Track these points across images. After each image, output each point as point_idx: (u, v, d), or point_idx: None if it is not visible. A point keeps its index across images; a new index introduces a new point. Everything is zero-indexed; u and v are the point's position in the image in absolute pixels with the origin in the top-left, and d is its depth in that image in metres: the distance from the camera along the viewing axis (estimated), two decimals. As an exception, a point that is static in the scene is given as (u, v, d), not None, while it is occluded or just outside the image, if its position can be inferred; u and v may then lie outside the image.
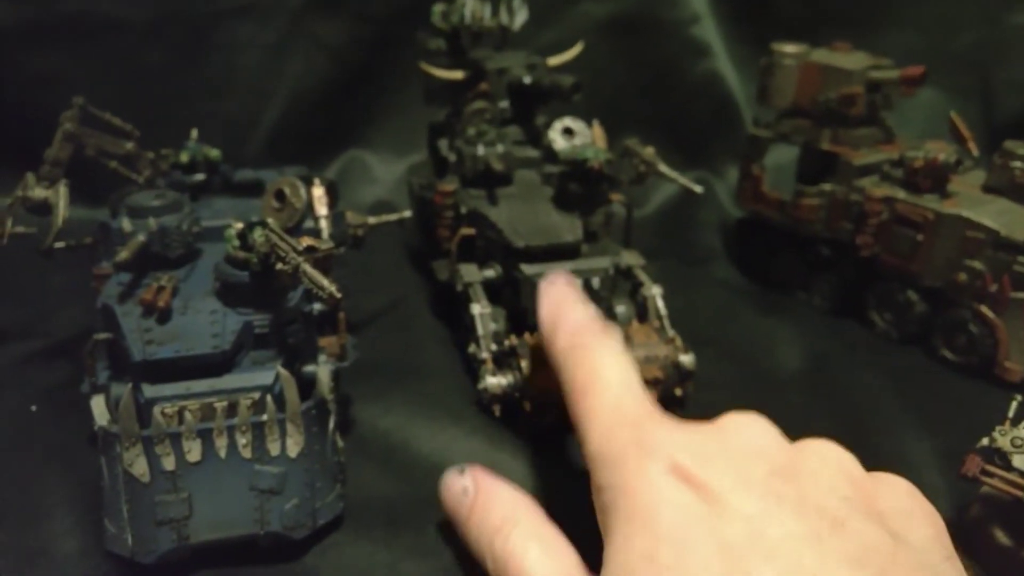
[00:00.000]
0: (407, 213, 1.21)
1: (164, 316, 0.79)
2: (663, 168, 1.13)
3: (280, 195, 0.89)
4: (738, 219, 1.50)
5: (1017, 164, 1.18)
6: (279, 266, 0.74)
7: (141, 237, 0.84)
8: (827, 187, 1.29)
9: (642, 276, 1.12)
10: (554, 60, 1.36)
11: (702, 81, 1.77)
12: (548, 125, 1.29)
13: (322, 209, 0.95)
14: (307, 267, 0.73)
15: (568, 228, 1.08)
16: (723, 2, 1.76)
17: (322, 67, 1.65)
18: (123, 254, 0.80)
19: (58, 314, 1.19)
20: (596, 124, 1.28)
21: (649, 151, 1.13)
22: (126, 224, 0.85)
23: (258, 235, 0.78)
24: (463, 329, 1.11)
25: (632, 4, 1.71)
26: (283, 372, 0.78)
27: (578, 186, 1.11)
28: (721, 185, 1.76)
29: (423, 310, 1.27)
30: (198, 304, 0.81)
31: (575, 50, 1.38)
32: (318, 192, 0.96)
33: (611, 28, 1.71)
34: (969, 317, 1.14)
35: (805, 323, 1.29)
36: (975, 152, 1.26)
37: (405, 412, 1.01)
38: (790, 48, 1.36)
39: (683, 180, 1.13)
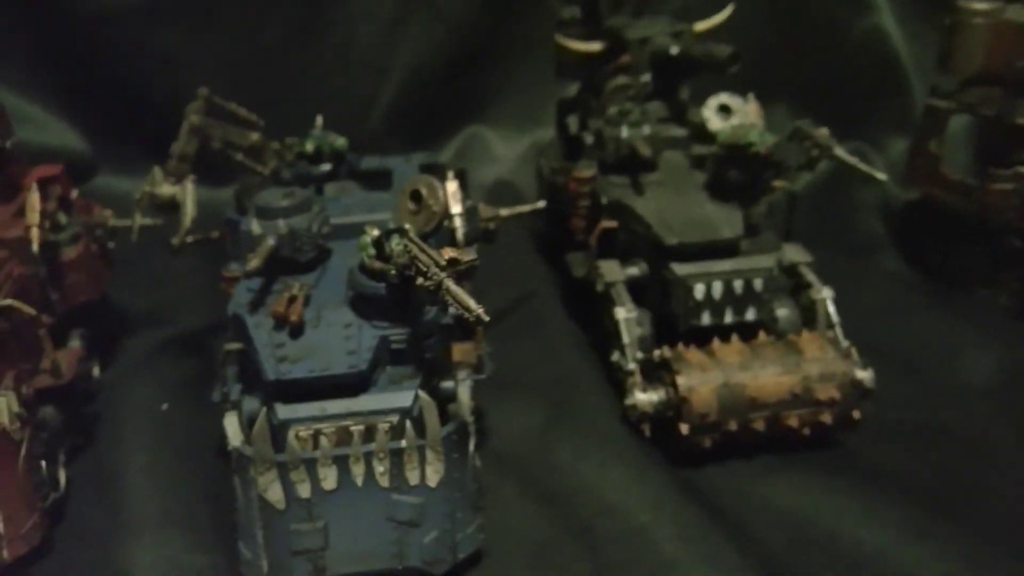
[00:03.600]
0: (541, 203, 1.11)
1: (297, 330, 0.73)
2: (840, 152, 0.98)
3: (416, 196, 0.82)
4: (907, 202, 1.33)
5: None
6: (420, 281, 0.67)
7: (271, 241, 0.78)
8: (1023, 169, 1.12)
9: (810, 276, 0.99)
10: (701, 25, 1.22)
11: (863, 40, 1.57)
12: (694, 100, 1.16)
13: (456, 207, 0.87)
14: (451, 284, 0.65)
15: (726, 222, 0.97)
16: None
17: (441, 39, 1.56)
18: (254, 262, 0.75)
19: (187, 307, 1.16)
20: (752, 99, 1.14)
21: (823, 132, 0.99)
22: (255, 226, 0.80)
23: (396, 244, 0.70)
24: (602, 332, 1.01)
25: (785, -41, 1.54)
26: (424, 397, 0.70)
27: (739, 173, 0.98)
28: (883, 160, 1.57)
29: (556, 309, 1.17)
30: (331, 316, 0.75)
31: (725, 13, 1.24)
32: (452, 187, 0.88)
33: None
34: None
35: (991, 326, 1.12)
36: None
37: (544, 429, 0.92)
38: (980, 4, 1.18)
39: (864, 167, 0.99)
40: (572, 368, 1.04)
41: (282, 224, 0.80)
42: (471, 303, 0.63)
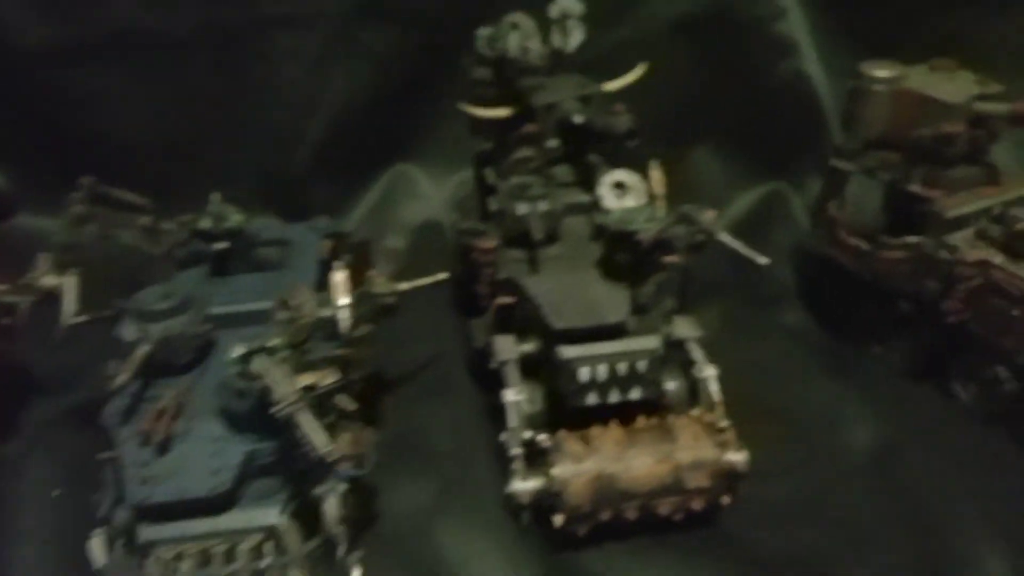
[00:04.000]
0: (443, 275, 1.13)
1: (163, 446, 0.75)
2: (724, 237, 1.01)
3: (284, 305, 0.83)
4: (813, 256, 1.36)
5: None
6: (271, 411, 0.68)
7: (144, 348, 0.80)
8: (912, 240, 1.15)
9: (696, 353, 1.02)
10: (612, 85, 1.24)
11: (786, 83, 1.60)
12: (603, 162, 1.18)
13: (342, 298, 0.89)
14: (302, 416, 0.67)
15: (613, 304, 0.99)
16: (813, -9, 1.58)
17: (368, 76, 1.56)
18: (122, 376, 0.76)
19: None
20: (655, 167, 1.16)
21: (709, 216, 1.02)
22: (130, 331, 0.81)
23: (257, 365, 0.72)
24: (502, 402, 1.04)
25: (708, 1, 1.54)
26: (282, 520, 0.73)
27: (626, 256, 1.00)
28: (801, 200, 1.60)
29: (463, 371, 1.20)
30: (201, 428, 0.77)
31: (637, 71, 1.26)
32: (338, 278, 0.89)
33: (683, 27, 1.56)
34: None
35: (880, 389, 1.16)
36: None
37: (433, 509, 0.95)
38: (882, 72, 1.20)
39: (747, 252, 1.01)
40: (469, 440, 1.06)
41: (158, 329, 0.81)
42: (320, 440, 0.65)
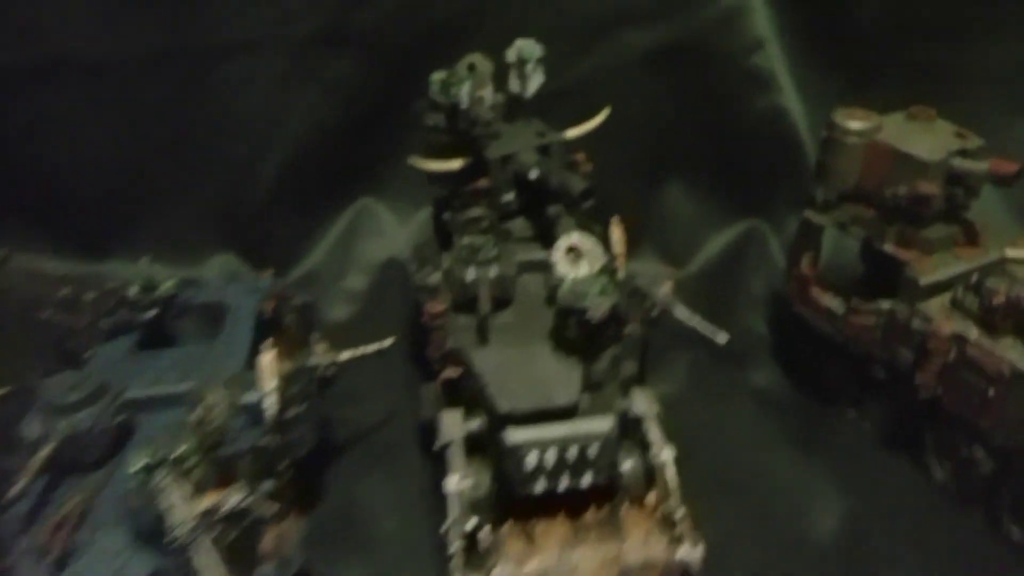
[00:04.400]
0: (388, 341, 1.07)
1: (61, 562, 0.69)
2: (680, 313, 0.95)
3: (199, 401, 0.77)
4: (786, 310, 1.30)
5: None
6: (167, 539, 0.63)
7: (49, 446, 0.74)
8: (885, 306, 1.09)
9: (652, 434, 0.96)
10: (573, 132, 1.18)
11: (762, 117, 1.53)
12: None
13: (268, 382, 0.83)
14: (200, 548, 0.61)
15: (563, 384, 0.93)
16: (792, 23, 1.51)
17: (331, 106, 1.49)
18: (19, 483, 0.70)
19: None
20: (616, 224, 1.10)
21: (665, 289, 0.96)
22: (33, 429, 0.75)
23: (159, 479, 0.66)
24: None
25: (681, 31, 1.48)
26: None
27: (577, 330, 0.95)
28: (779, 240, 1.55)
29: (414, 436, 1.14)
30: (105, 539, 0.71)
31: (600, 117, 1.20)
32: (264, 361, 0.83)
33: (656, 59, 1.49)
34: (1049, 495, 0.96)
35: (850, 461, 1.11)
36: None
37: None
38: (856, 122, 1.14)
39: (704, 329, 0.95)
40: (414, 522, 1.01)
41: (64, 424, 0.75)
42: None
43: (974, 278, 1.02)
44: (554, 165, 1.11)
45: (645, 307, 0.94)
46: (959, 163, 1.07)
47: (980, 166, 1.06)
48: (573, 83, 1.46)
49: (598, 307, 0.91)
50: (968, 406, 1.01)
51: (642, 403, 0.99)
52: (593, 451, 0.92)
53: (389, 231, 1.55)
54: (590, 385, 0.95)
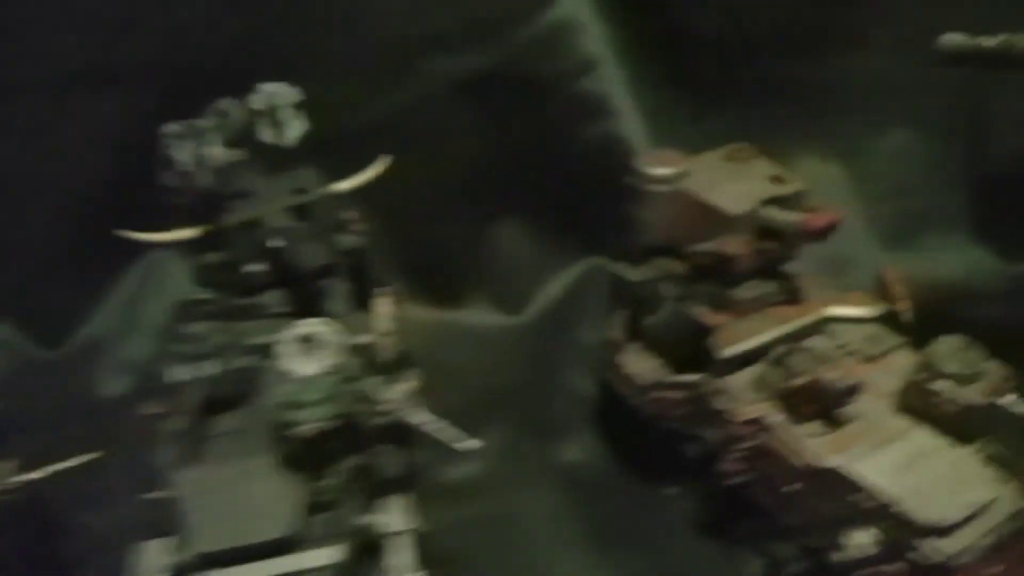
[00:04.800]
0: (94, 456, 0.90)
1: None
2: (418, 417, 0.80)
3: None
4: (600, 380, 1.16)
5: (939, 386, 0.82)
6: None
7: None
8: (691, 379, 0.95)
9: (398, 557, 0.81)
10: (347, 184, 1.02)
11: (597, 146, 1.38)
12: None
13: None
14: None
15: (276, 511, 0.77)
16: (628, 40, 1.36)
17: (100, 152, 1.31)
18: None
19: None
20: (385, 298, 0.95)
21: (399, 391, 0.80)
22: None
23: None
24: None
25: (499, 55, 1.32)
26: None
27: (294, 446, 0.79)
28: (619, 281, 1.40)
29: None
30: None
31: (378, 166, 1.04)
32: None
33: (474, 87, 1.33)
34: (858, 610, 0.82)
35: (656, 555, 0.97)
36: (906, 317, 0.91)
37: None
38: (661, 168, 0.99)
39: (449, 438, 0.80)
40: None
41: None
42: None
43: (778, 352, 0.89)
44: (304, 230, 0.95)
45: (372, 415, 0.79)
46: (768, 215, 0.94)
47: (791, 218, 0.93)
48: (381, 119, 1.30)
49: (311, 422, 0.75)
50: (774, 499, 0.88)
51: (394, 517, 0.83)
52: (319, 589, 0.76)
53: (183, 289, 1.37)
54: (317, 507, 0.80)
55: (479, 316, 1.41)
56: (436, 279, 1.42)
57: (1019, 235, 1.45)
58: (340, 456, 0.81)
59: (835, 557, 0.80)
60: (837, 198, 1.48)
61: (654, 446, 1.04)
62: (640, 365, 1.03)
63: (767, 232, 0.95)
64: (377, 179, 1.04)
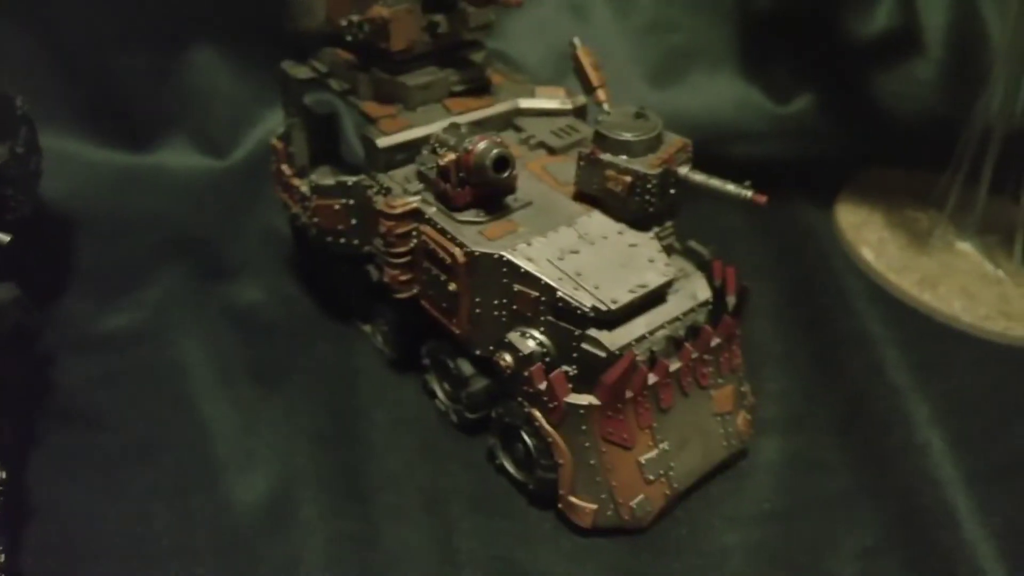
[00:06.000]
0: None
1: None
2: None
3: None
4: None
5: (608, 160, 0.70)
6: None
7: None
8: (350, 181, 0.79)
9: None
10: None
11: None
12: None
13: None
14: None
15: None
16: None
17: None
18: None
19: None
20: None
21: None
22: None
23: None
24: None
25: None
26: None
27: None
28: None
29: None
30: None
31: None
32: None
33: None
34: (522, 419, 0.71)
35: (332, 393, 0.83)
36: (605, 104, 0.78)
37: None
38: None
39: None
40: None
41: None
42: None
43: (436, 138, 0.74)
44: None
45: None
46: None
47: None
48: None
49: None
50: (439, 308, 0.74)
51: None
52: None
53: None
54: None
55: (179, 159, 1.20)
56: (123, 118, 1.20)
57: (786, 76, 1.38)
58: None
59: (503, 363, 0.68)
60: (601, 33, 1.37)
61: (341, 275, 0.89)
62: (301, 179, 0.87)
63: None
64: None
